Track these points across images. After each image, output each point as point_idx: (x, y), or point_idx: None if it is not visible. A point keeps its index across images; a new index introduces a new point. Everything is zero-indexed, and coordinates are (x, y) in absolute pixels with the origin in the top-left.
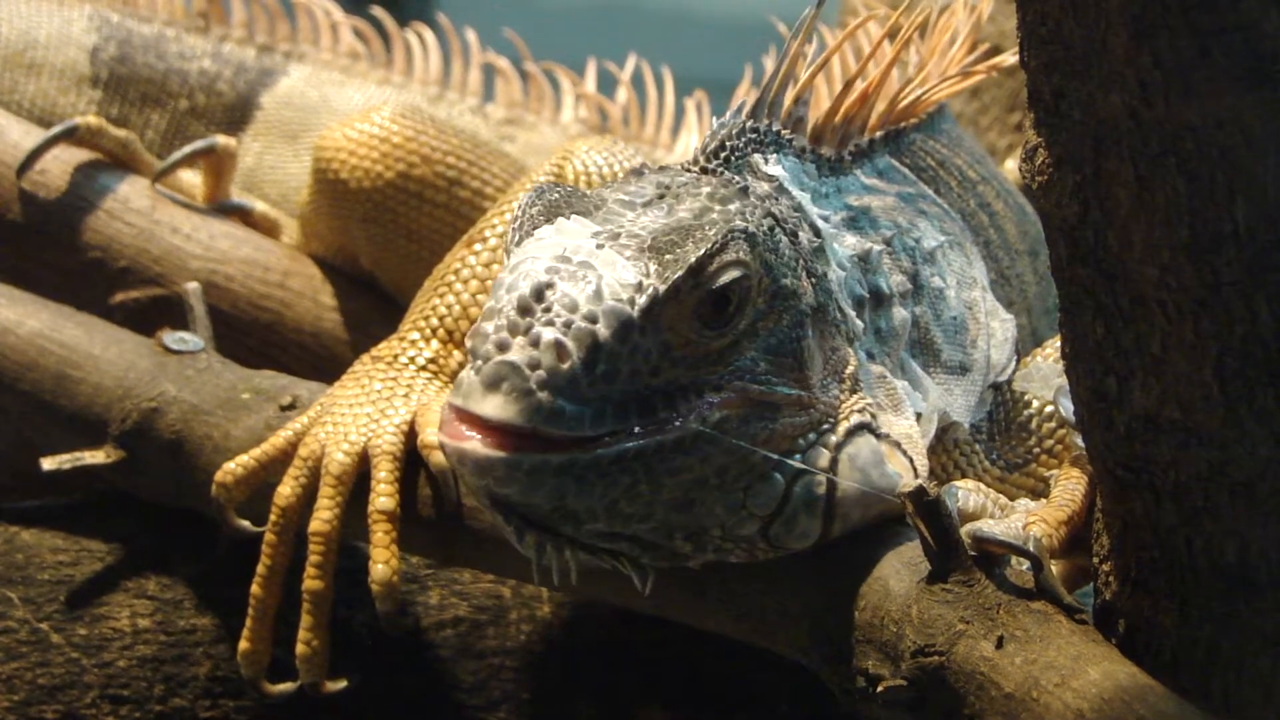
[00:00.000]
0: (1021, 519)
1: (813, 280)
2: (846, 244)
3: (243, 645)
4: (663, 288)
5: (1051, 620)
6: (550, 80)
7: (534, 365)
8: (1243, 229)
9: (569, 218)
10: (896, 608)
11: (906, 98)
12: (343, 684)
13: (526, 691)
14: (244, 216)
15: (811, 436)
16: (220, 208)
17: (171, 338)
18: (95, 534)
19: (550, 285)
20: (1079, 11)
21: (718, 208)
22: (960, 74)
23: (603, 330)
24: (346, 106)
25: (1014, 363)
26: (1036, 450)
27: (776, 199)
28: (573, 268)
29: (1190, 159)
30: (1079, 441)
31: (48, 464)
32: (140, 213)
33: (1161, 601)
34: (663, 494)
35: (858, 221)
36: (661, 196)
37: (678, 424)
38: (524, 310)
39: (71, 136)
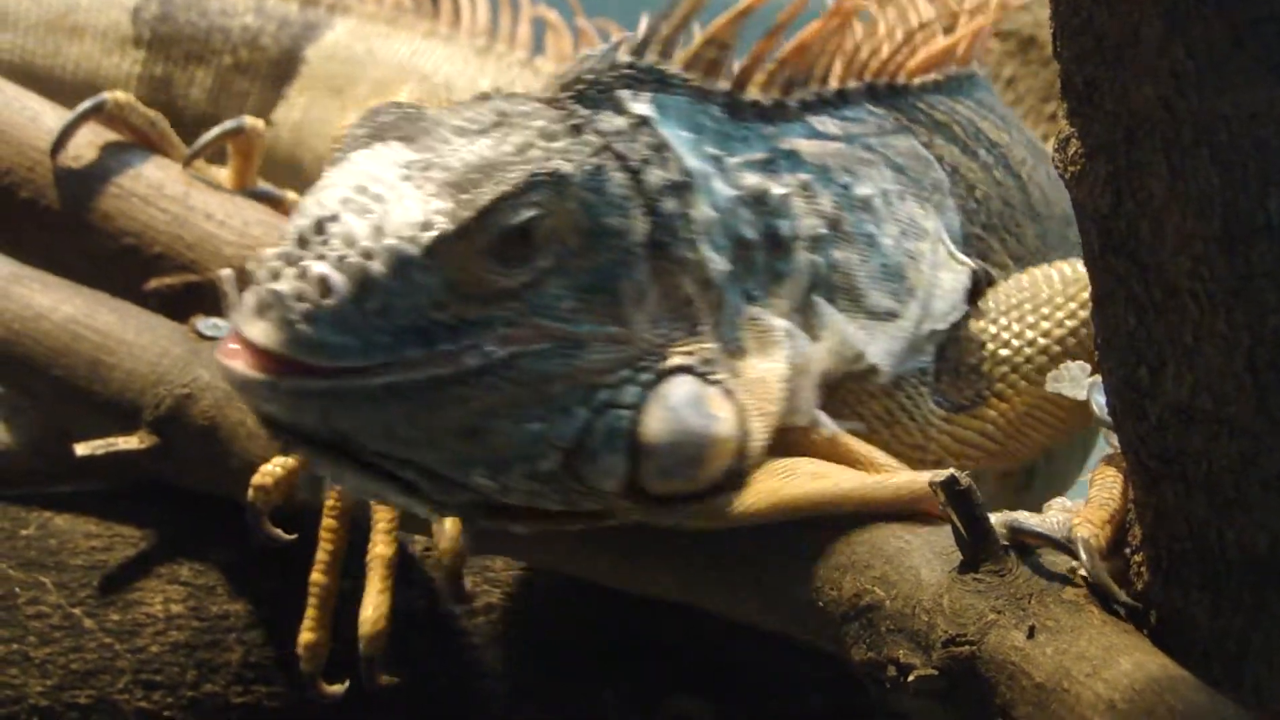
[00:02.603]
0: (1060, 516)
1: (656, 220)
2: (744, 185)
3: (305, 636)
4: (451, 228)
5: (1083, 610)
6: (602, 36)
7: (299, 297)
8: (1276, 220)
9: (388, 143)
10: (928, 597)
11: (866, 53)
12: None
13: (555, 680)
14: (274, 205)
15: (624, 374)
16: (251, 194)
17: (205, 324)
18: (128, 519)
19: (334, 217)
20: (1111, 2)
21: (541, 143)
22: (940, 49)
23: (377, 267)
24: (393, 59)
25: (963, 312)
26: (986, 393)
27: (632, 138)
28: (364, 200)
29: (1223, 150)
30: (1114, 441)
31: (81, 449)
32: (174, 199)
33: (1193, 593)
34: (446, 423)
35: (773, 164)
36: (497, 125)
37: (460, 357)
38: (302, 241)
39: (100, 112)
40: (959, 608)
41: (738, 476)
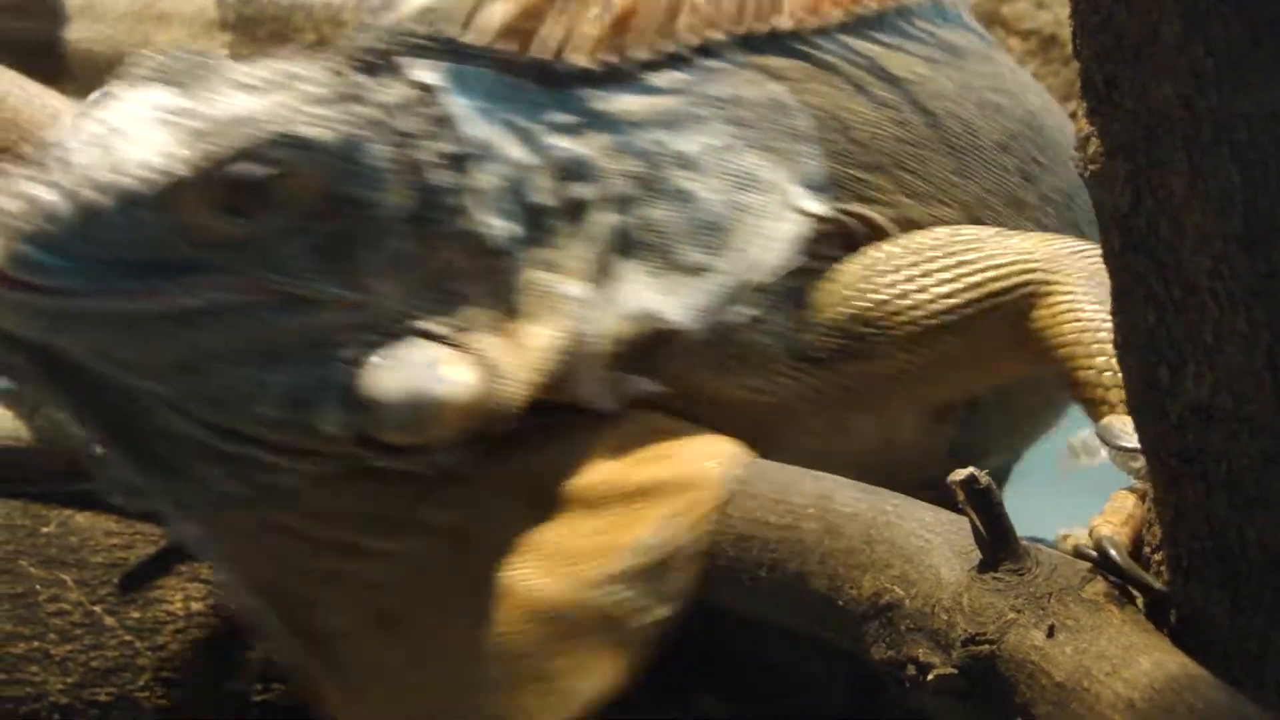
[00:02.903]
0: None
1: (423, 194)
2: (545, 152)
3: None
4: (185, 174)
5: (1103, 610)
6: None
7: (28, 219)
8: None
9: (159, 86)
10: (948, 596)
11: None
12: None
13: None
14: None
15: (360, 335)
16: None
17: None
18: (148, 517)
19: (78, 149)
20: (1131, 0)
21: (304, 107)
22: None
23: (104, 201)
24: None
25: (798, 262)
26: (848, 349)
27: (411, 110)
28: (110, 136)
29: (1243, 148)
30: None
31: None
32: None
33: (1213, 592)
34: (165, 356)
35: (583, 129)
36: (275, 85)
37: (178, 297)
38: (43, 167)
39: None
40: (978, 607)
41: (486, 434)
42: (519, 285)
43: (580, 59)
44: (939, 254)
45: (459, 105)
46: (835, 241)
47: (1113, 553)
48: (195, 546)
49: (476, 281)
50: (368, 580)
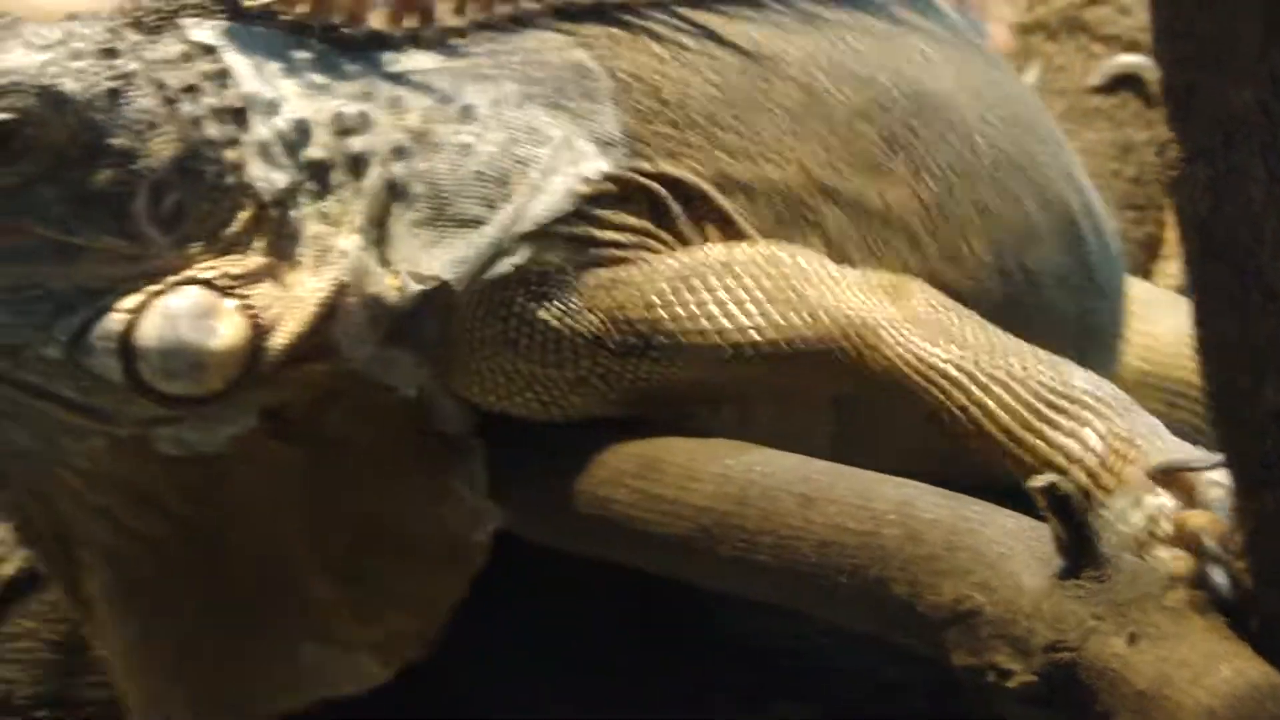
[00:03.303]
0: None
1: (190, 144)
2: (324, 107)
3: None
4: None
5: (1184, 617)
6: None
7: None
8: None
9: None
10: (1028, 603)
11: None
12: None
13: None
14: None
15: (128, 283)
16: None
17: None
18: None
19: None
20: (1212, 6)
21: (61, 61)
22: None
23: None
24: None
25: (561, 210)
26: (647, 352)
27: (182, 65)
28: None
29: None
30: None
31: None
32: None
33: None
34: None
35: (367, 86)
36: (54, 42)
37: None
38: None
39: None
40: (1060, 614)
41: (253, 384)
42: (298, 236)
43: (379, 23)
44: (756, 283)
45: (239, 62)
46: (628, 199)
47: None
48: None
49: (254, 232)
50: (123, 554)
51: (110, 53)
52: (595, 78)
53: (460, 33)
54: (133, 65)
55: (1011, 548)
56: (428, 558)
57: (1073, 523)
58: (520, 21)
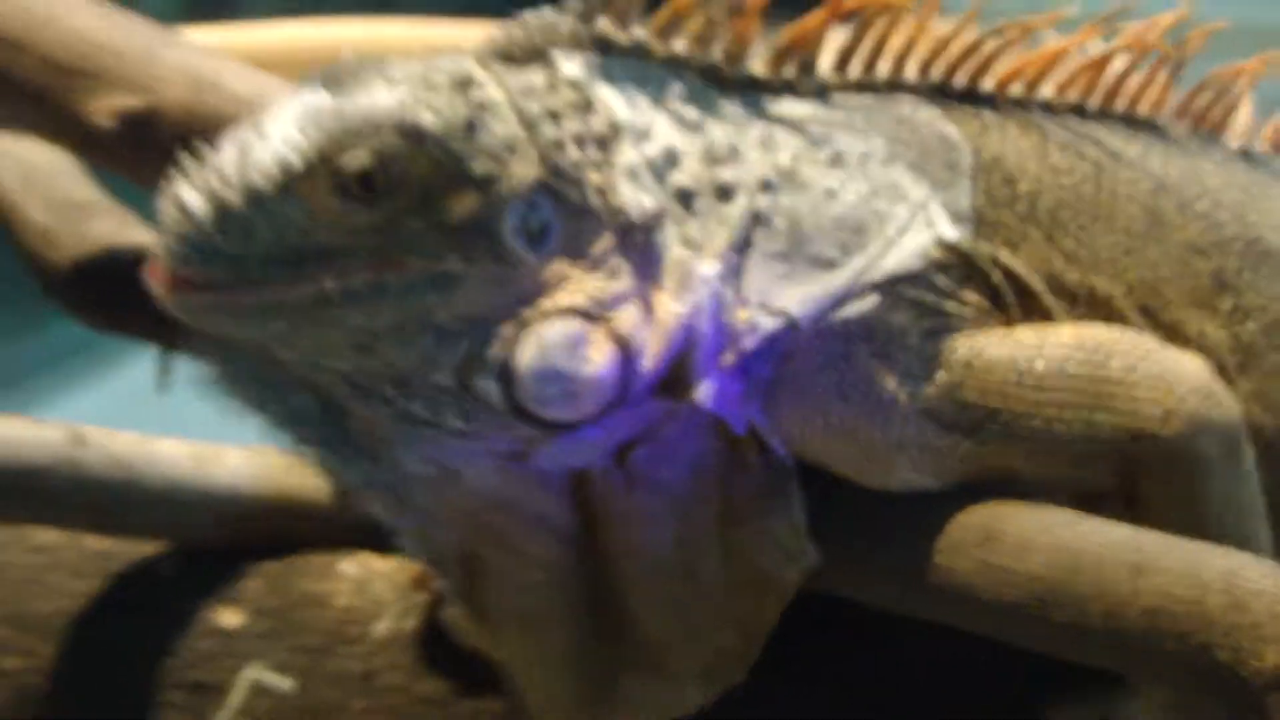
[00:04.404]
0: None
1: (554, 167)
2: (695, 138)
3: None
4: (299, 167)
5: None
6: None
7: (175, 222)
8: None
9: (320, 88)
10: None
11: (927, 53)
12: None
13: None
14: None
15: (505, 308)
16: None
17: None
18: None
19: (223, 149)
20: None
21: (424, 95)
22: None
23: (234, 197)
24: None
25: (915, 268)
26: (970, 430)
27: (547, 94)
28: (252, 136)
29: None
30: None
31: None
32: None
33: None
34: (333, 338)
35: (737, 121)
36: (408, 77)
37: (324, 281)
38: (197, 168)
39: None
40: None
41: (621, 407)
42: (661, 259)
43: (758, 68)
44: (1082, 377)
45: (607, 92)
46: (969, 277)
47: None
48: (388, 521)
49: (622, 253)
50: (514, 572)
51: (467, 84)
52: (960, 152)
53: (838, 87)
54: (493, 94)
55: None
56: (747, 588)
57: None
58: (897, 88)
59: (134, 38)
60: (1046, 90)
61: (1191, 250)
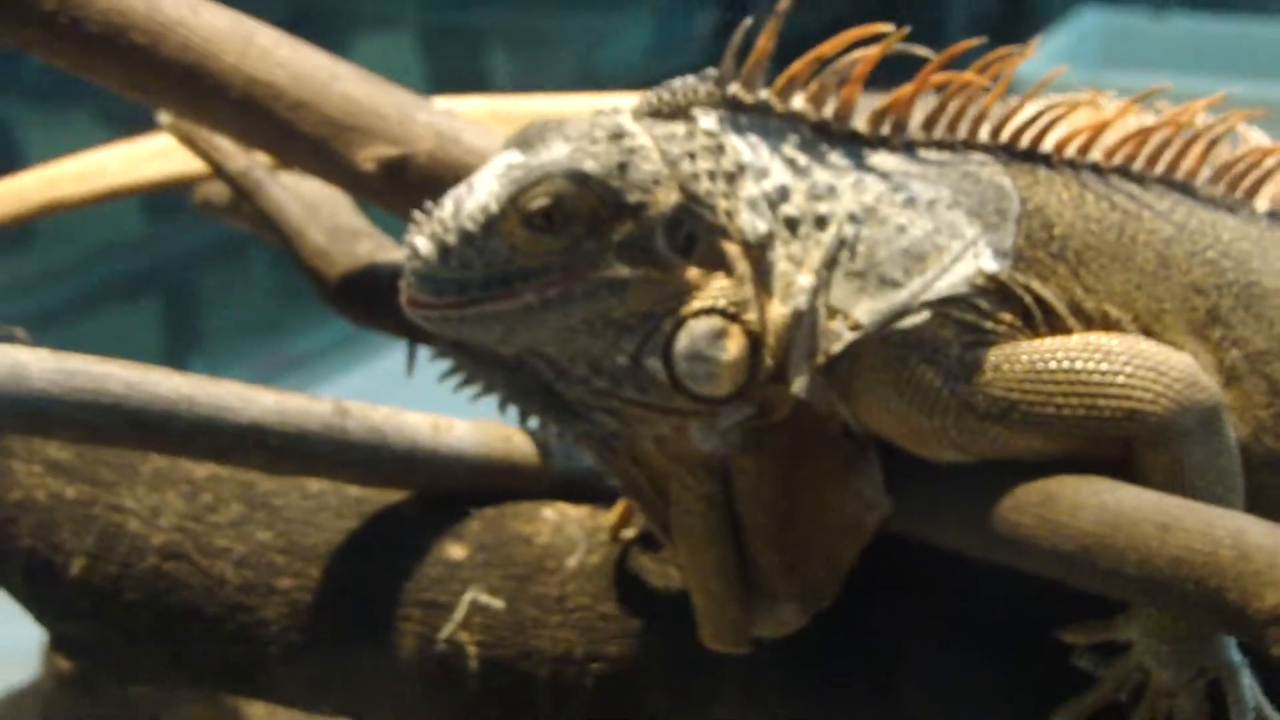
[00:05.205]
0: None
1: (689, 196)
2: (802, 178)
3: None
4: (495, 210)
5: None
6: None
7: (412, 261)
8: None
9: (512, 149)
10: None
11: (998, 120)
12: None
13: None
14: None
15: (667, 304)
16: None
17: None
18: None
19: (443, 205)
20: None
21: (587, 147)
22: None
23: (452, 238)
24: None
25: (958, 292)
26: (999, 417)
27: (686, 140)
28: (464, 190)
29: None
30: None
31: None
32: None
33: None
34: (540, 335)
35: (837, 168)
36: (580, 134)
37: (526, 294)
38: (423, 222)
39: None
40: None
41: (748, 392)
42: (771, 272)
43: (860, 125)
44: (1088, 370)
45: (734, 139)
46: (1005, 301)
47: None
48: (597, 464)
49: (743, 265)
50: (686, 503)
51: (620, 135)
52: (1011, 201)
53: (922, 144)
54: (641, 141)
55: None
56: (835, 530)
57: None
58: (970, 147)
59: (393, 102)
60: (1096, 154)
61: (1193, 289)
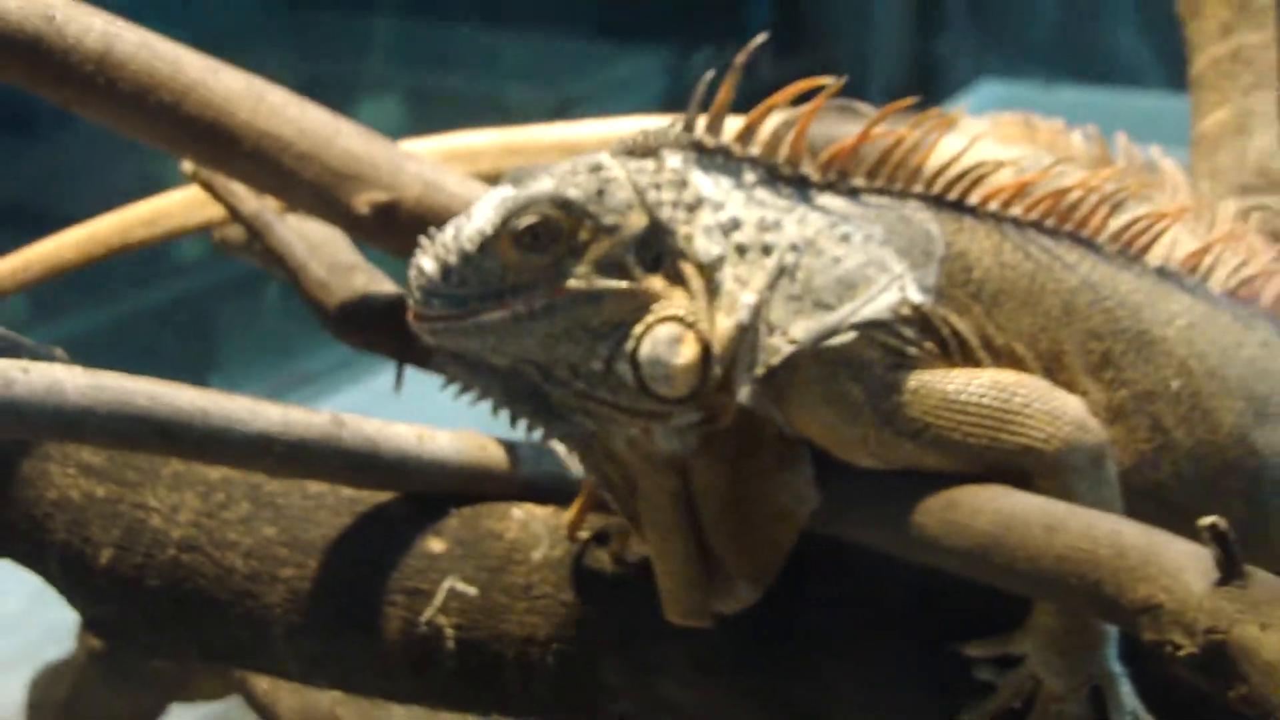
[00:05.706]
0: None
1: (655, 221)
2: (754, 211)
3: None
4: (489, 232)
5: None
6: None
7: (417, 279)
8: None
9: (508, 184)
10: (1195, 601)
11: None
12: None
13: None
14: None
15: (636, 315)
16: None
17: None
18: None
19: (445, 230)
20: None
21: (570, 178)
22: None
23: (453, 258)
24: None
25: (884, 318)
26: (913, 436)
27: (655, 174)
28: (463, 218)
29: None
30: None
31: None
32: None
33: None
34: (527, 343)
35: (789, 205)
36: (564, 171)
37: (516, 306)
38: (426, 245)
39: None
40: (1215, 609)
41: (700, 396)
42: (720, 290)
43: (809, 170)
44: (993, 408)
45: (697, 176)
46: (926, 331)
47: None
48: (578, 461)
49: (698, 283)
50: (653, 496)
51: (598, 168)
52: (936, 244)
53: (864, 190)
54: (616, 173)
55: (1185, 564)
56: (774, 519)
57: (1227, 548)
58: (907, 195)
59: (386, 153)
60: (1017, 209)
61: (1091, 334)
